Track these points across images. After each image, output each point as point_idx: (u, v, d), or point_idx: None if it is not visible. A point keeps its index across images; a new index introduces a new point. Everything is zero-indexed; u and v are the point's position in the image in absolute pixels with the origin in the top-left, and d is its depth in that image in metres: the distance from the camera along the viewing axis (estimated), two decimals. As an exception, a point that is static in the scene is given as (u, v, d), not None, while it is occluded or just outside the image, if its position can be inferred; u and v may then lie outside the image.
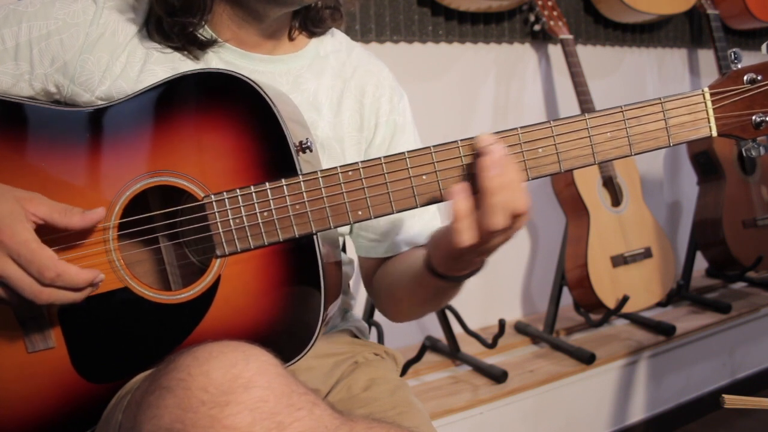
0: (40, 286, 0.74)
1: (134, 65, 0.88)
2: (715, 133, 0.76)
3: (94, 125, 0.81)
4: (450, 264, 0.80)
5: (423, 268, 0.85)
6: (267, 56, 0.94)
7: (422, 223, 1.02)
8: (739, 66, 0.76)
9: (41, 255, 0.73)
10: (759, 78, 0.75)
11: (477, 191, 0.72)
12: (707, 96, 0.75)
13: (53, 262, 0.73)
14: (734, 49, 0.76)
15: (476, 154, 0.74)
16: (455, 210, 0.72)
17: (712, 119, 0.76)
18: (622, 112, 0.75)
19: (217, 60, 0.91)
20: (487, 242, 0.74)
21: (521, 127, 0.74)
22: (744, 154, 0.78)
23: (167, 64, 0.89)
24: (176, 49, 0.89)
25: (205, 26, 0.90)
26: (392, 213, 0.76)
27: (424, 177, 0.75)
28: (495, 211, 0.71)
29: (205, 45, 0.89)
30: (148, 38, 0.90)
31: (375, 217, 0.76)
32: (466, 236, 0.72)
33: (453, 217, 0.72)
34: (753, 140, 0.77)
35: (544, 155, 0.75)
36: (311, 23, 0.97)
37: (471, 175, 0.75)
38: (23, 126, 0.82)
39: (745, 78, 0.75)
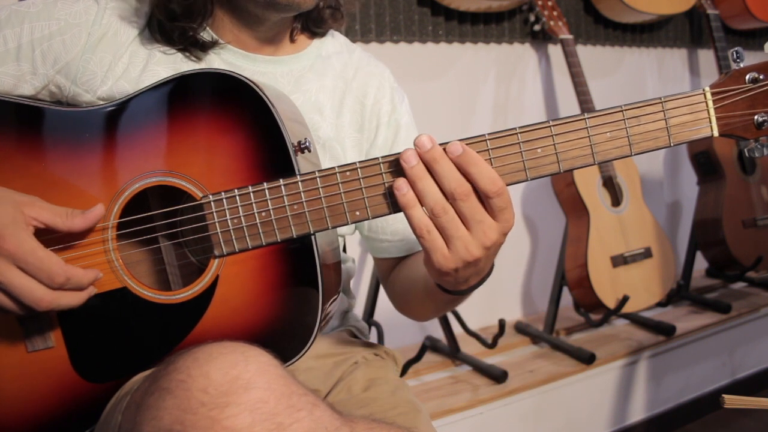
0: (44, 292, 0.74)
1: (136, 65, 0.88)
2: (716, 133, 0.75)
3: (93, 126, 0.81)
4: (447, 282, 0.79)
5: (432, 284, 0.84)
6: (269, 57, 0.94)
7: None
8: (741, 65, 0.74)
9: (50, 262, 0.73)
10: (761, 77, 0.73)
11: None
12: (708, 95, 0.74)
13: (62, 267, 0.74)
14: (736, 48, 0.74)
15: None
16: (403, 203, 0.72)
17: (714, 119, 0.75)
18: (622, 111, 0.74)
19: (219, 61, 0.91)
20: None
21: (520, 127, 0.74)
22: (746, 155, 0.76)
23: (169, 64, 0.89)
24: (178, 50, 0.90)
25: (207, 29, 0.90)
26: (390, 213, 0.76)
27: (422, 177, 0.75)
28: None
29: (206, 47, 0.90)
30: (151, 39, 0.90)
31: (373, 218, 0.76)
32: (417, 217, 0.72)
33: (402, 207, 0.73)
34: (755, 140, 0.75)
35: (543, 155, 0.74)
36: (312, 23, 0.98)
37: None
38: (23, 126, 0.82)
39: (747, 77, 0.74)
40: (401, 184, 0.72)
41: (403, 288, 1.00)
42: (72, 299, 0.76)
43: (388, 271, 1.05)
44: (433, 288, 0.84)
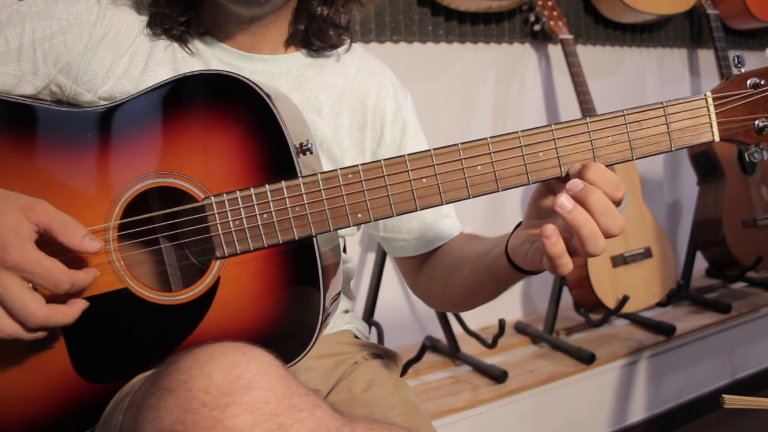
0: (37, 307, 0.72)
1: (137, 65, 0.88)
2: (717, 138, 0.75)
3: (95, 126, 0.81)
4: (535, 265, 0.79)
5: (501, 265, 0.84)
6: (267, 56, 0.94)
7: (449, 220, 1.03)
8: (743, 70, 0.75)
9: (55, 270, 0.73)
10: (762, 83, 0.74)
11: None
12: (710, 100, 0.75)
13: (66, 274, 0.74)
14: (737, 54, 0.75)
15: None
16: (553, 253, 0.72)
17: (715, 124, 0.75)
18: (623, 116, 0.74)
19: (216, 62, 0.91)
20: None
21: (522, 131, 0.74)
22: (747, 159, 0.77)
23: (170, 65, 0.89)
24: (174, 38, 0.90)
25: (201, 21, 0.91)
26: (392, 216, 0.76)
27: (424, 180, 0.75)
28: (591, 239, 0.71)
29: (203, 33, 0.91)
30: (151, 38, 0.90)
31: (375, 220, 0.76)
32: (568, 266, 0.73)
33: (551, 257, 0.72)
34: (756, 145, 0.76)
35: (545, 159, 0.74)
36: (313, 35, 0.96)
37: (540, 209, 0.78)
38: (24, 126, 0.82)
39: (748, 83, 0.74)
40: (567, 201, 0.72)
41: (451, 280, 0.97)
42: (64, 317, 0.75)
43: (413, 269, 1.05)
44: (504, 271, 0.84)
